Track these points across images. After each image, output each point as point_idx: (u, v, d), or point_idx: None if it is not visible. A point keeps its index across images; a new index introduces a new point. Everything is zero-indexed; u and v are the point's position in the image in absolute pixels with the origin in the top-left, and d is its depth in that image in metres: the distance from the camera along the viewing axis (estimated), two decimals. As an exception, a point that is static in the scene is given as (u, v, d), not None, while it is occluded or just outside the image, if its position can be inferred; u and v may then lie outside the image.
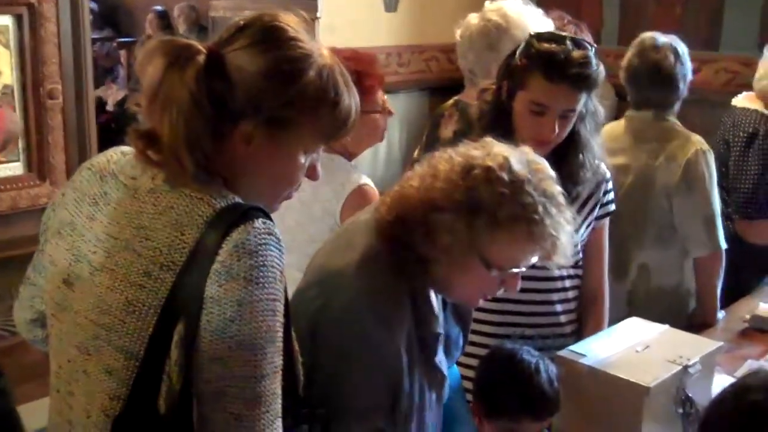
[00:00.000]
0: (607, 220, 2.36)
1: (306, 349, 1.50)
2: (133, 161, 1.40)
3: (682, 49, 2.87)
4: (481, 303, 2.20)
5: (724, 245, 2.79)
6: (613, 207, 2.35)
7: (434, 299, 1.69)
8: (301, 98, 1.38)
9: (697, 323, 2.81)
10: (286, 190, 1.46)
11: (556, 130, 2.10)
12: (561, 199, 1.58)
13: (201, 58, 1.33)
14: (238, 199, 1.33)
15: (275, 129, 1.37)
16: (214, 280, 1.26)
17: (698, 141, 2.83)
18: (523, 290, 2.12)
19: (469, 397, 2.03)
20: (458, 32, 3.01)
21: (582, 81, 2.08)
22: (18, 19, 3.10)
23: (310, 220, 2.35)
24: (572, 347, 2.06)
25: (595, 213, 2.29)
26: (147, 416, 1.29)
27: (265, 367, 1.28)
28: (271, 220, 1.32)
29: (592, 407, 1.99)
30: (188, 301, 1.27)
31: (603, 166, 2.29)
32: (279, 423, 1.31)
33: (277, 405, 1.31)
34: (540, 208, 1.52)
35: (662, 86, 2.82)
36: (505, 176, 1.51)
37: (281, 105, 1.36)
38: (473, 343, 2.17)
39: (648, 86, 2.83)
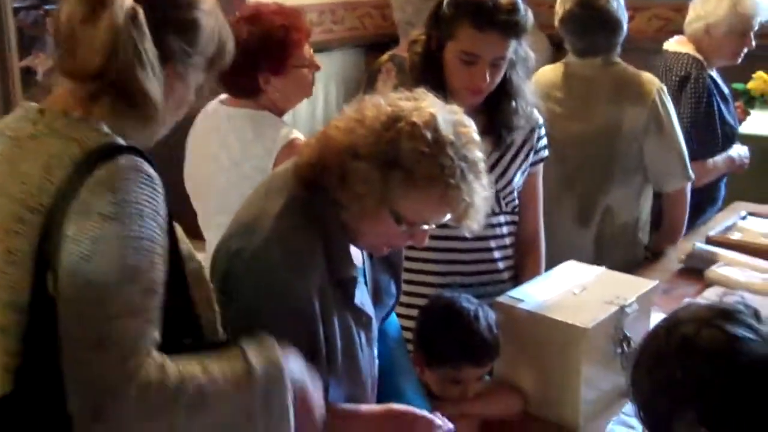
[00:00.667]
0: (541, 166, 2.34)
1: (220, 297, 1.47)
2: (18, 114, 1.37)
3: None
4: (421, 253, 2.22)
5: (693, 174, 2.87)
6: (546, 153, 2.34)
7: (354, 250, 1.66)
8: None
9: (657, 251, 2.92)
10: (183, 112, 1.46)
11: (488, 79, 2.07)
12: (481, 165, 1.56)
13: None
14: (116, 140, 1.30)
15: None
16: (72, 219, 1.23)
17: (653, 80, 2.84)
18: (462, 238, 2.13)
19: (411, 347, 2.01)
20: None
21: (511, 28, 2.05)
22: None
23: (242, 179, 2.30)
24: (510, 293, 2.04)
25: (530, 159, 2.28)
26: (47, 369, 1.24)
27: (114, 308, 1.22)
28: (148, 160, 1.29)
29: (531, 351, 1.98)
30: (54, 244, 1.24)
31: (536, 113, 2.27)
32: (132, 364, 1.21)
33: (135, 346, 1.22)
34: (458, 173, 1.49)
35: (609, 31, 2.80)
36: (428, 135, 1.48)
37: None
38: (415, 294, 2.18)
39: (595, 32, 2.80)
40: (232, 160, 2.36)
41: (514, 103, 2.15)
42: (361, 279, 1.68)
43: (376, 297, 1.77)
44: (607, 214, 2.84)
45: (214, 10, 1.43)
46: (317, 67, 2.46)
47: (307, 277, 1.53)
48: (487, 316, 1.94)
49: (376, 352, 1.77)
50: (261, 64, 2.32)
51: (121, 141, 1.30)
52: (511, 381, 2.02)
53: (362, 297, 1.66)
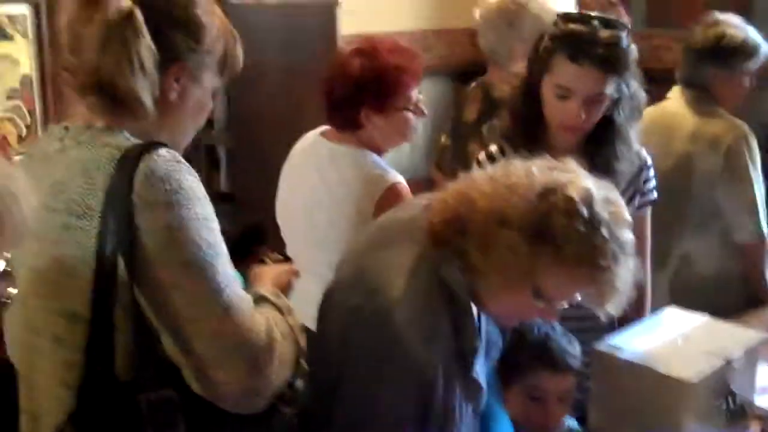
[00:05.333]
0: (648, 210, 2.26)
1: (334, 350, 1.44)
2: (46, 135, 1.45)
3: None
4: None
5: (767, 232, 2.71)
6: (654, 195, 2.26)
7: (475, 310, 1.60)
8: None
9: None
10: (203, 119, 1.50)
11: (582, 116, 2.01)
12: (630, 248, 1.48)
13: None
14: (140, 142, 1.35)
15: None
16: (137, 215, 1.27)
17: (736, 126, 2.73)
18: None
19: None
20: (478, 12, 2.93)
21: (609, 62, 1.99)
22: (35, 8, 3.06)
23: (341, 217, 2.28)
24: (609, 340, 1.97)
25: (636, 202, 2.20)
26: (107, 378, 1.29)
27: (220, 280, 1.30)
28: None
29: (630, 404, 1.91)
30: (118, 243, 1.27)
31: (643, 152, 2.19)
32: (259, 318, 1.36)
33: (249, 305, 1.36)
34: (609, 254, 1.43)
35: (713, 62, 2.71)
36: (584, 212, 1.41)
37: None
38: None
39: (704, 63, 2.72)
40: (333, 198, 2.32)
41: (614, 146, 2.07)
42: (481, 344, 1.62)
43: (486, 351, 1.70)
44: (684, 260, 2.72)
45: (213, 9, 1.46)
46: (423, 113, 2.40)
47: (434, 345, 1.46)
48: (567, 333, 1.92)
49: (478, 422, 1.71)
50: (366, 100, 2.29)
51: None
52: (606, 432, 1.95)
53: (479, 367, 1.59)
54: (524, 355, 1.90)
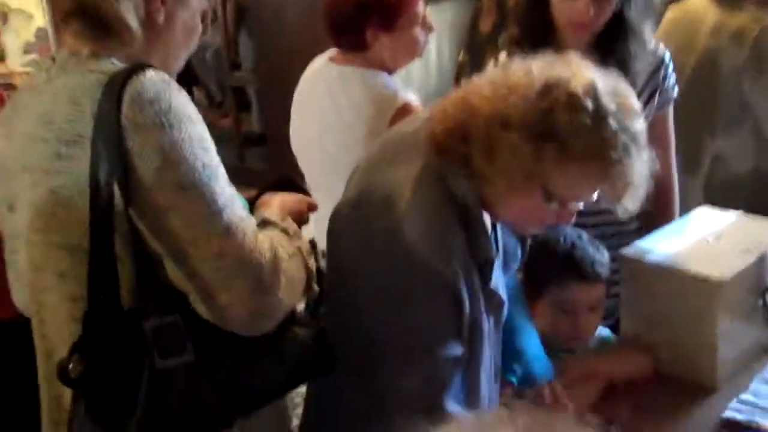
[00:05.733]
0: (670, 108, 2.16)
1: (348, 270, 1.41)
2: (35, 69, 1.42)
3: None
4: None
5: None
6: (675, 93, 2.15)
7: (487, 220, 1.53)
8: None
9: None
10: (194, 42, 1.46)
11: (591, 12, 1.91)
12: (643, 139, 1.40)
13: None
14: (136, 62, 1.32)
15: None
16: (126, 138, 1.24)
17: (764, 15, 2.57)
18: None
19: None
20: None
21: None
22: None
23: (354, 142, 2.22)
24: (637, 243, 1.90)
25: (655, 101, 2.10)
26: (112, 308, 1.27)
27: (219, 201, 1.27)
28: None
29: (662, 308, 1.84)
30: (111, 169, 1.24)
31: (660, 48, 2.09)
32: (262, 237, 1.32)
33: (252, 225, 1.32)
34: (620, 146, 1.35)
35: None
36: (589, 105, 1.33)
37: None
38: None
39: None
40: (344, 121, 2.26)
41: (627, 45, 1.97)
42: (496, 255, 1.55)
43: (504, 263, 1.65)
44: (717, 163, 2.58)
45: None
46: (431, 29, 2.31)
47: (450, 256, 1.40)
48: (594, 241, 1.86)
49: (501, 336, 1.66)
50: (371, 19, 2.20)
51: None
52: (640, 339, 1.89)
53: (497, 275, 1.53)
54: (551, 267, 1.84)
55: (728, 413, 1.69)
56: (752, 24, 2.49)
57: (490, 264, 1.48)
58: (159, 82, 1.27)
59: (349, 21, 2.22)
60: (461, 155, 1.41)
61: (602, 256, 1.83)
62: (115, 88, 1.25)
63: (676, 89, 2.16)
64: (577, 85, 1.34)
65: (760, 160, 2.55)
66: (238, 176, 1.56)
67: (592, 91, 1.34)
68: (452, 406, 1.42)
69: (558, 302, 1.83)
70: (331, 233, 1.53)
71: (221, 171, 1.31)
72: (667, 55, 2.11)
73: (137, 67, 1.28)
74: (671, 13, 2.66)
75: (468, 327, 1.44)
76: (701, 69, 2.50)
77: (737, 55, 2.45)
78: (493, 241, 1.54)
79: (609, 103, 1.35)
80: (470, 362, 1.47)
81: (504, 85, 1.39)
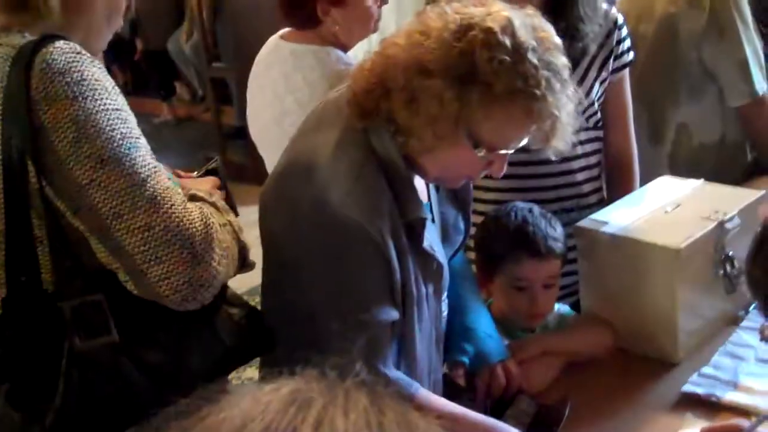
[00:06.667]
0: (626, 72, 2.08)
1: (280, 244, 1.37)
2: None
3: None
4: (497, 183, 2.03)
5: (762, 89, 2.45)
6: (631, 56, 2.07)
7: (418, 182, 1.48)
8: None
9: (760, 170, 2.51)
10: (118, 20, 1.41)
11: None
12: (566, 73, 1.36)
13: None
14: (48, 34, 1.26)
15: None
16: (38, 112, 1.19)
17: None
18: (540, 162, 1.94)
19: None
20: None
21: None
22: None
23: None
24: (593, 216, 1.84)
25: (610, 65, 2.02)
26: (32, 292, 1.23)
27: (141, 172, 1.23)
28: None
29: (619, 280, 1.77)
30: (23, 145, 1.19)
31: (613, 11, 2.01)
32: (191, 206, 1.28)
33: (179, 195, 1.27)
34: (543, 82, 1.30)
35: None
36: (507, 41, 1.28)
37: None
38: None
39: None
40: (299, 102, 2.18)
41: (578, 7, 1.89)
42: (428, 216, 1.50)
43: (444, 234, 1.60)
44: (682, 132, 2.50)
45: None
46: (384, 1, 2.25)
47: (378, 217, 1.36)
48: (546, 214, 1.80)
49: (445, 305, 1.60)
50: None
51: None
52: (599, 314, 1.82)
53: (432, 240, 1.48)
54: (502, 243, 1.77)
55: (688, 387, 1.62)
56: None
57: (421, 223, 1.43)
58: (69, 53, 1.22)
59: None
60: (383, 111, 1.36)
61: (555, 231, 1.76)
62: (23, 60, 1.20)
63: (632, 54, 2.08)
64: (494, 23, 1.29)
65: (726, 129, 2.47)
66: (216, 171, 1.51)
67: (510, 27, 1.30)
68: (391, 371, 1.39)
69: (512, 280, 1.76)
70: (261, 208, 1.48)
71: (142, 142, 1.26)
72: (620, 18, 2.04)
73: (46, 38, 1.23)
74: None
75: (400, 292, 1.40)
76: (661, 36, 2.42)
77: (695, 20, 2.37)
78: (426, 206, 1.49)
79: (528, 39, 1.30)
80: (403, 327, 1.42)
81: (418, 31, 1.33)
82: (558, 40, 1.37)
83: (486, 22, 1.29)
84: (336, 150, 1.37)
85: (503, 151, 1.39)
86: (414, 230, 1.42)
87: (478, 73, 1.29)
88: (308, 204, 1.36)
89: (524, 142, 1.40)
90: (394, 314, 1.39)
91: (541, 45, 1.32)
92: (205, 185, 1.48)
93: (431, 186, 1.58)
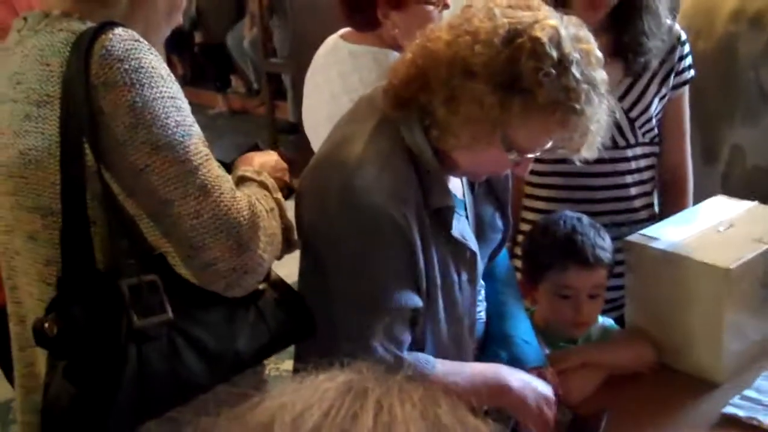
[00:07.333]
0: (686, 89, 2.07)
1: (313, 231, 1.40)
2: (12, 29, 1.38)
3: None
4: (548, 192, 2.03)
5: None
6: (691, 73, 2.06)
7: (453, 180, 1.52)
8: None
9: None
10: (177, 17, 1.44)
11: None
12: (603, 88, 1.37)
13: None
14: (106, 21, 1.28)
15: None
16: (96, 97, 1.22)
17: None
18: (594, 174, 1.95)
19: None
20: None
21: None
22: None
23: None
24: (644, 231, 1.83)
25: (671, 82, 2.02)
26: (87, 271, 1.25)
27: (194, 159, 1.26)
28: None
29: (667, 296, 1.77)
30: (81, 128, 1.22)
31: (677, 27, 2.01)
32: (240, 195, 1.31)
33: (228, 183, 1.31)
34: (583, 96, 1.31)
35: None
36: (553, 53, 1.29)
37: None
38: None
39: None
40: (353, 101, 2.22)
41: (642, 22, 1.89)
42: (461, 212, 1.52)
43: (479, 231, 1.61)
44: (736, 153, 2.46)
45: None
46: (446, 5, 2.26)
47: (403, 203, 1.39)
48: (596, 224, 1.80)
49: (482, 294, 1.62)
50: None
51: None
52: (643, 330, 1.82)
53: (462, 229, 1.50)
54: (550, 251, 1.77)
55: (729, 409, 1.61)
56: None
57: (449, 211, 1.45)
58: (128, 40, 1.25)
59: None
60: (420, 105, 1.39)
61: (603, 241, 1.76)
62: (83, 46, 1.23)
63: (693, 71, 2.07)
64: (542, 32, 1.30)
65: None
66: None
67: (556, 38, 1.31)
68: (408, 354, 1.42)
69: (557, 288, 1.77)
70: (296, 199, 1.51)
71: (195, 129, 1.29)
72: (683, 35, 2.03)
73: (105, 25, 1.25)
74: (691, -4, 2.56)
75: (424, 278, 1.42)
76: (720, 55, 2.39)
77: (756, 41, 2.34)
78: (460, 203, 1.52)
79: (572, 52, 1.31)
80: (426, 313, 1.44)
81: (465, 30, 1.34)
82: (599, 54, 1.37)
83: (535, 31, 1.30)
84: (367, 141, 1.40)
85: (531, 155, 1.42)
86: (442, 218, 1.45)
87: (522, 81, 1.30)
88: (336, 191, 1.39)
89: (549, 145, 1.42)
90: (415, 300, 1.41)
91: (584, 58, 1.33)
92: (267, 159, 1.51)
93: (466, 186, 1.59)
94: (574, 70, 1.30)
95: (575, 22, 1.38)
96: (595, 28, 1.59)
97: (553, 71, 1.29)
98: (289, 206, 1.46)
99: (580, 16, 1.83)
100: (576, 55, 1.31)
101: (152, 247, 1.30)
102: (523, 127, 1.34)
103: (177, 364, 1.29)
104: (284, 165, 1.53)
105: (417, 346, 1.46)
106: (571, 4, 1.86)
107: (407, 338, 1.42)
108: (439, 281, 1.45)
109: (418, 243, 1.40)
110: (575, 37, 1.34)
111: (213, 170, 1.29)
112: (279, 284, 1.45)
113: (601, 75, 1.37)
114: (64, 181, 1.25)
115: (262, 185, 1.41)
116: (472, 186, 1.60)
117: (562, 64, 1.30)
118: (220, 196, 1.28)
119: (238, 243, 1.28)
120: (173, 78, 1.29)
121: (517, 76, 1.30)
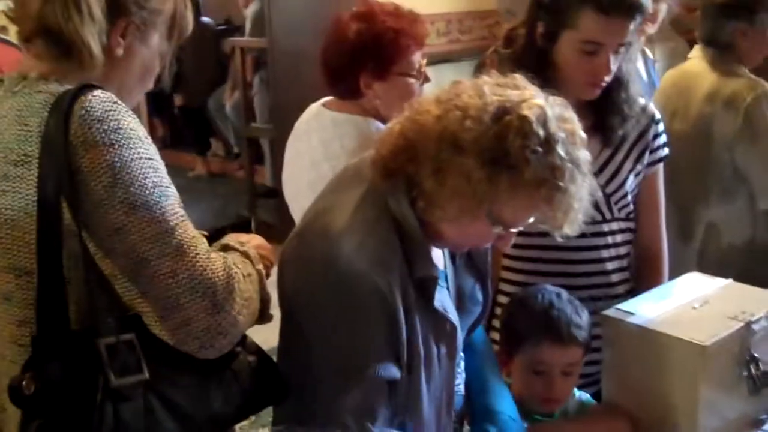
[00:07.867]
0: (660, 167, 2.11)
1: (293, 300, 1.40)
2: None
3: None
4: (526, 265, 2.04)
5: None
6: (666, 151, 2.11)
7: (434, 251, 1.52)
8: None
9: None
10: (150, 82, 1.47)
11: (613, 68, 1.88)
12: (587, 167, 1.40)
13: None
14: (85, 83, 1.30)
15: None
16: (75, 156, 1.23)
17: (756, 85, 2.52)
18: (570, 248, 1.96)
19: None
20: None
21: (637, 8, 1.85)
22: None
23: None
24: (620, 305, 1.84)
25: (646, 159, 2.06)
26: (62, 330, 1.25)
27: (170, 220, 1.28)
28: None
29: (642, 372, 1.77)
30: (59, 188, 1.23)
31: (651, 106, 2.05)
32: (215, 256, 1.33)
33: (204, 245, 1.32)
34: (567, 175, 1.34)
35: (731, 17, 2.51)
36: (540, 131, 1.32)
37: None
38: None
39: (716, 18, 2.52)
40: (335, 171, 2.20)
41: (617, 105, 1.94)
42: (443, 283, 1.53)
43: (459, 303, 1.61)
44: (711, 229, 2.50)
45: None
46: (426, 79, 2.29)
47: (388, 271, 1.39)
48: (574, 301, 1.80)
49: (461, 367, 1.61)
50: (364, 66, 2.19)
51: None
52: (620, 404, 1.82)
53: (444, 301, 1.50)
54: (526, 324, 1.78)
55: (705, 486, 1.61)
56: (746, 91, 2.45)
57: (432, 281, 1.46)
58: (107, 102, 1.27)
59: (343, 67, 2.21)
60: (408, 176, 1.40)
61: (580, 319, 1.76)
62: (63, 106, 1.25)
63: (667, 150, 2.11)
64: (529, 111, 1.33)
65: (756, 231, 2.48)
66: (246, 228, 1.53)
67: (543, 117, 1.33)
68: (381, 429, 1.40)
69: (531, 363, 1.76)
70: (279, 268, 1.51)
71: (172, 191, 1.30)
72: (657, 114, 2.07)
73: (84, 87, 1.28)
74: (669, 77, 2.63)
75: (406, 349, 1.41)
76: (696, 135, 2.46)
77: (730, 122, 2.41)
78: (441, 273, 1.52)
79: (558, 131, 1.34)
80: (409, 386, 1.43)
81: (455, 105, 1.37)
82: (583, 134, 1.41)
83: (522, 110, 1.33)
84: (353, 210, 1.41)
85: (515, 229, 1.44)
86: (425, 289, 1.45)
87: (509, 158, 1.32)
88: (319, 259, 1.40)
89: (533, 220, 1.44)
90: (394, 372, 1.41)
91: (569, 138, 1.36)
92: (253, 237, 1.53)
93: (447, 257, 1.60)
94: (560, 149, 1.33)
95: (560, 102, 1.41)
96: (577, 104, 1.63)
97: (540, 149, 1.32)
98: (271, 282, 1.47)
99: (578, 92, 1.87)
100: (561, 134, 1.34)
101: (127, 307, 1.30)
102: (509, 202, 1.36)
103: (152, 424, 1.28)
104: (269, 246, 1.54)
105: (398, 418, 1.44)
106: (566, 81, 1.89)
107: (382, 411, 1.41)
108: (422, 352, 1.44)
109: (401, 312, 1.40)
110: (560, 117, 1.37)
111: (189, 231, 1.30)
112: (254, 349, 1.44)
113: (584, 155, 1.39)
114: (40, 240, 1.25)
115: (244, 254, 1.41)
116: (453, 257, 1.61)
117: (549, 142, 1.33)
118: (196, 257, 1.29)
119: (213, 303, 1.29)
120: (150, 140, 1.31)
121: (505, 152, 1.32)
